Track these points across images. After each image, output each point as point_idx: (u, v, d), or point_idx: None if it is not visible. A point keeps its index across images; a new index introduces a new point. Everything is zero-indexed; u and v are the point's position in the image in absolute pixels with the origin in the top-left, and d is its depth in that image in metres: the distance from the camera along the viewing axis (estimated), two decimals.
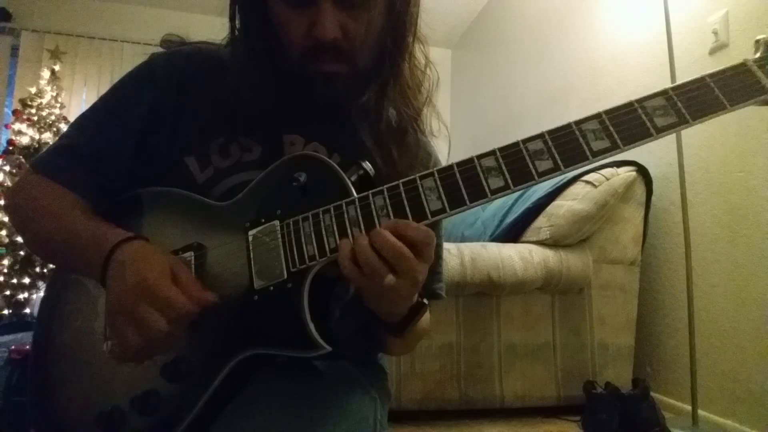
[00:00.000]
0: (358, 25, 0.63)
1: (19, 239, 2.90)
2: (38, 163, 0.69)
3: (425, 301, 0.62)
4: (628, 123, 0.52)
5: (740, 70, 0.52)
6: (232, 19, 0.68)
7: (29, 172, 0.69)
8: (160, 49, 0.75)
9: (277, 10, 0.63)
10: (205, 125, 0.69)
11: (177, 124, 0.69)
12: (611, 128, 0.52)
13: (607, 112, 0.52)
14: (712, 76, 0.52)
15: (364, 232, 0.53)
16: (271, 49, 0.66)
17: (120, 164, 0.69)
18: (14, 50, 3.77)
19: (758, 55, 0.53)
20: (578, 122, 0.52)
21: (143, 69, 0.72)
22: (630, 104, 0.52)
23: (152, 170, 0.69)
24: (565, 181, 1.87)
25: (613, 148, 0.51)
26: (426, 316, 0.67)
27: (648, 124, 0.51)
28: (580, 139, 0.52)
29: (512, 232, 1.94)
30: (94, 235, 0.60)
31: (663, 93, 0.52)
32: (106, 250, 0.57)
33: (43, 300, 0.72)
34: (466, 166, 0.53)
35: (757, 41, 0.54)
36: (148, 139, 0.69)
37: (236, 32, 0.68)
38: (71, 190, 0.66)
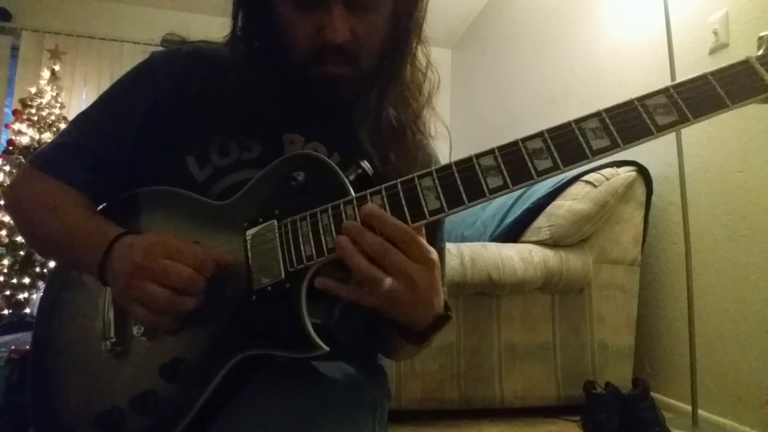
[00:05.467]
0: (365, 27, 0.62)
1: (20, 239, 2.90)
2: (38, 159, 0.69)
3: (450, 313, 0.61)
4: (629, 121, 0.51)
5: (743, 67, 0.51)
6: (234, 17, 0.68)
7: (28, 168, 0.69)
8: (160, 49, 0.75)
9: (283, 11, 0.63)
10: (205, 124, 0.69)
11: (176, 122, 0.69)
12: (611, 127, 0.51)
13: (608, 110, 0.51)
14: (713, 73, 0.51)
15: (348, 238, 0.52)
16: (272, 49, 0.66)
17: (119, 162, 0.69)
18: (14, 50, 3.76)
19: (761, 52, 0.52)
20: (578, 120, 0.52)
21: (143, 67, 0.72)
22: (630, 102, 0.52)
23: (152, 168, 0.69)
24: (565, 181, 1.87)
25: (614, 146, 0.50)
26: None
27: (649, 122, 0.51)
28: (580, 137, 0.51)
29: (512, 232, 1.94)
30: (94, 233, 0.60)
31: (664, 91, 0.52)
32: (104, 246, 0.57)
33: (43, 299, 0.72)
34: (465, 165, 0.53)
35: (761, 38, 0.53)
36: (147, 138, 0.69)
37: (237, 31, 0.68)
38: (71, 187, 0.67)
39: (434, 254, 0.54)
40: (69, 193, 0.66)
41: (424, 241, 0.53)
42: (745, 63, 0.52)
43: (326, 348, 0.53)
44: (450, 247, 1.74)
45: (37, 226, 0.67)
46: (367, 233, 0.52)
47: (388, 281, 0.51)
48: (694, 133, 1.72)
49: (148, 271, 0.53)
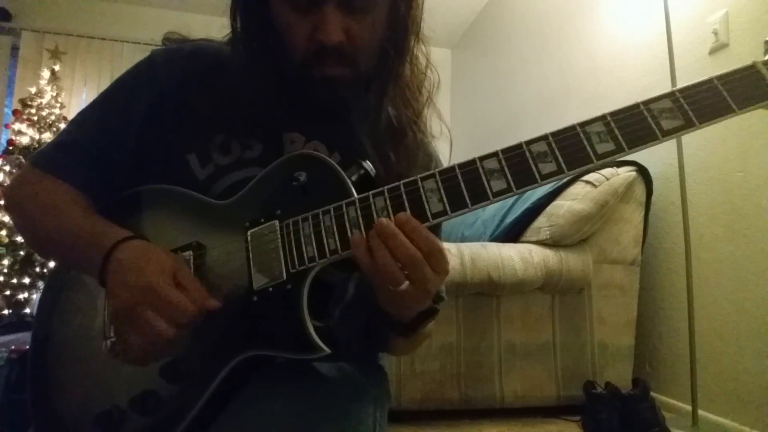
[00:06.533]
0: (361, 28, 0.62)
1: (20, 239, 2.90)
2: (38, 158, 0.69)
3: (438, 306, 0.62)
4: (634, 125, 0.50)
5: (749, 72, 0.51)
6: (233, 19, 0.68)
7: (29, 168, 0.69)
8: (161, 47, 0.75)
9: (280, 13, 0.63)
10: (206, 122, 0.69)
11: (178, 121, 0.69)
12: (616, 131, 0.50)
13: (613, 114, 0.51)
14: (720, 78, 0.51)
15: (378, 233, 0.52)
16: (272, 50, 0.66)
17: (121, 161, 0.69)
18: (14, 50, 3.76)
19: (767, 57, 0.52)
20: (582, 124, 0.51)
21: (144, 66, 0.72)
22: (636, 106, 0.51)
23: (153, 167, 0.69)
24: (565, 181, 1.87)
25: (618, 151, 0.50)
26: None
27: (654, 126, 0.50)
28: (585, 141, 0.51)
29: (512, 232, 1.94)
30: (94, 233, 0.60)
31: (670, 95, 0.51)
32: (106, 249, 0.57)
33: (42, 299, 0.72)
34: (468, 167, 0.53)
35: (767, 42, 0.53)
36: (148, 136, 0.69)
37: (237, 32, 0.68)
38: (72, 186, 0.66)
39: (450, 264, 0.55)
40: (69, 193, 0.66)
41: (446, 252, 0.54)
42: (752, 68, 0.51)
43: (328, 350, 0.53)
44: (450, 247, 1.74)
45: (36, 226, 0.66)
46: (401, 238, 0.51)
47: (406, 284, 0.52)
48: (694, 133, 1.71)
49: (130, 316, 0.52)
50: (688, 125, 0.50)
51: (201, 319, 0.55)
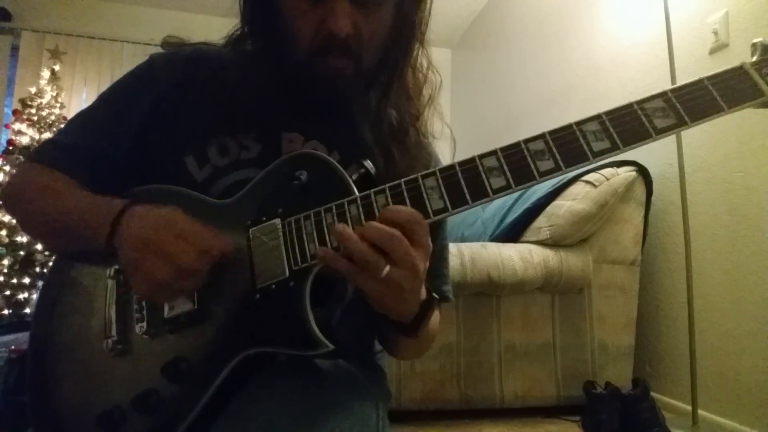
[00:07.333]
0: (369, 24, 0.64)
1: (19, 239, 2.90)
2: (38, 155, 0.69)
3: (435, 294, 0.61)
4: (628, 124, 0.53)
5: (737, 72, 0.53)
6: (242, 13, 0.68)
7: (28, 163, 0.70)
8: (160, 50, 0.75)
9: (290, 4, 0.64)
10: (204, 124, 0.69)
11: (176, 124, 0.69)
12: (611, 129, 0.52)
13: (608, 113, 0.53)
14: (710, 78, 0.53)
15: (351, 226, 0.53)
16: (277, 46, 0.66)
17: (118, 163, 0.69)
18: (14, 50, 3.77)
19: (755, 58, 0.54)
20: (579, 123, 0.53)
21: (143, 69, 0.72)
22: (630, 105, 0.53)
23: (151, 169, 0.69)
24: (565, 181, 1.87)
25: (614, 148, 0.52)
26: (435, 317, 0.67)
27: (647, 125, 0.52)
28: (581, 139, 0.52)
29: (512, 232, 1.94)
30: (101, 205, 0.61)
31: (662, 95, 0.53)
32: (113, 215, 0.58)
33: (40, 298, 0.71)
34: (468, 165, 0.54)
35: (754, 44, 0.55)
36: (146, 139, 0.69)
37: (244, 28, 0.69)
38: (71, 177, 0.67)
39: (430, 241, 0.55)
40: (70, 181, 0.66)
41: (425, 224, 0.53)
42: (740, 69, 0.54)
43: (330, 345, 0.53)
44: (450, 247, 1.73)
45: (37, 211, 0.66)
46: (370, 222, 0.52)
47: (387, 268, 0.50)
48: (694, 133, 1.72)
49: (154, 248, 0.54)
50: (680, 124, 0.52)
51: (219, 257, 0.57)
